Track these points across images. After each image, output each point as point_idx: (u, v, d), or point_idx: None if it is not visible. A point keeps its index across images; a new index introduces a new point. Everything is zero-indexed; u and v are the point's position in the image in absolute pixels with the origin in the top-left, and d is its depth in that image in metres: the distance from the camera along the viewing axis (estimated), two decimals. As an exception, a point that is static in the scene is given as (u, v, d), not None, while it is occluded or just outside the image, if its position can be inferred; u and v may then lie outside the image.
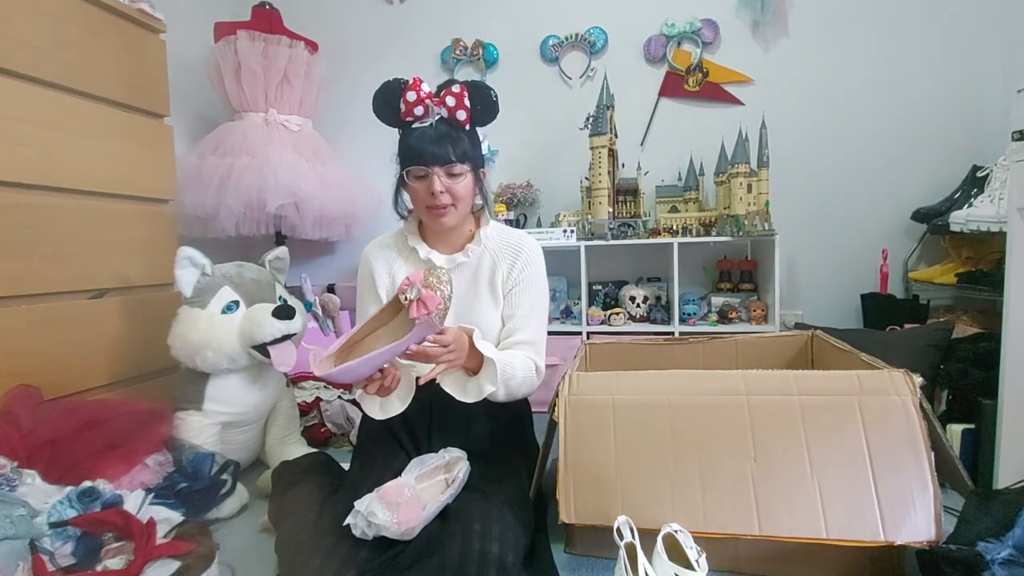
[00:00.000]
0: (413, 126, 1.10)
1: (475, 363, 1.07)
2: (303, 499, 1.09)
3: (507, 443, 1.19)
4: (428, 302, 0.90)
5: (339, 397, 1.86)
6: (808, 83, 2.20)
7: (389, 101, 1.11)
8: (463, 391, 1.08)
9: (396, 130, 1.15)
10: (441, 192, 1.09)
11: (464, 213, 1.16)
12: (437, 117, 1.09)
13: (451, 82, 1.12)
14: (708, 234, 2.07)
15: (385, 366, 0.98)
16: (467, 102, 1.10)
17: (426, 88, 1.09)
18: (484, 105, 1.12)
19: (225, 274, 1.48)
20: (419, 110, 1.09)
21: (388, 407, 1.09)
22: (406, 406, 1.09)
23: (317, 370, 0.92)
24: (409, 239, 1.21)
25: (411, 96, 1.09)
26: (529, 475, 1.17)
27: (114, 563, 0.96)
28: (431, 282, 0.91)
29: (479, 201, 1.22)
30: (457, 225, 1.17)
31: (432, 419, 1.16)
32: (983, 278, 1.69)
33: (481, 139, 1.20)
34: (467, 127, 1.12)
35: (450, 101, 1.09)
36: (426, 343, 0.96)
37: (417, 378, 1.04)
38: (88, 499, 1.03)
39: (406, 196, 1.19)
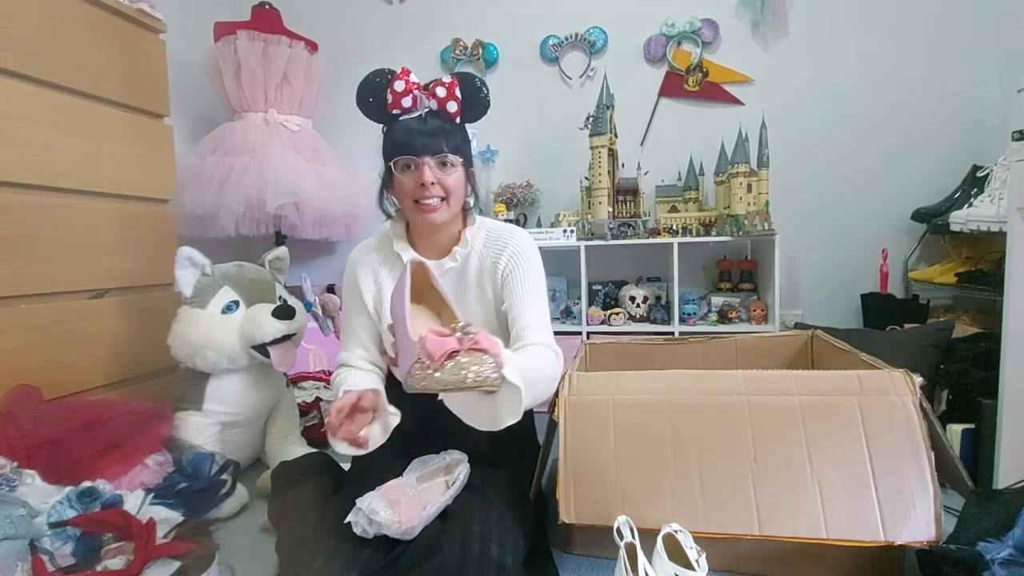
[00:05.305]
0: (401, 118, 1.06)
1: None
2: (303, 499, 1.09)
3: (507, 443, 1.17)
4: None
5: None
6: (808, 83, 2.20)
7: (374, 93, 1.06)
8: (471, 414, 0.89)
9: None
10: (432, 183, 1.03)
11: (455, 211, 1.10)
12: (426, 109, 1.05)
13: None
14: (708, 234, 2.07)
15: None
16: (458, 93, 1.06)
17: (414, 78, 1.06)
18: (474, 98, 1.08)
19: (225, 274, 1.48)
20: (407, 101, 1.05)
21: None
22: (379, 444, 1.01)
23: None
24: (394, 243, 1.15)
25: (399, 86, 1.04)
26: (529, 475, 1.17)
27: (114, 563, 0.96)
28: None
29: (469, 200, 1.16)
30: (446, 223, 1.11)
31: (432, 419, 1.15)
32: (983, 278, 1.69)
33: (471, 137, 1.16)
34: (457, 120, 1.08)
35: (440, 92, 1.05)
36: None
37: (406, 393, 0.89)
38: (88, 499, 1.03)
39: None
